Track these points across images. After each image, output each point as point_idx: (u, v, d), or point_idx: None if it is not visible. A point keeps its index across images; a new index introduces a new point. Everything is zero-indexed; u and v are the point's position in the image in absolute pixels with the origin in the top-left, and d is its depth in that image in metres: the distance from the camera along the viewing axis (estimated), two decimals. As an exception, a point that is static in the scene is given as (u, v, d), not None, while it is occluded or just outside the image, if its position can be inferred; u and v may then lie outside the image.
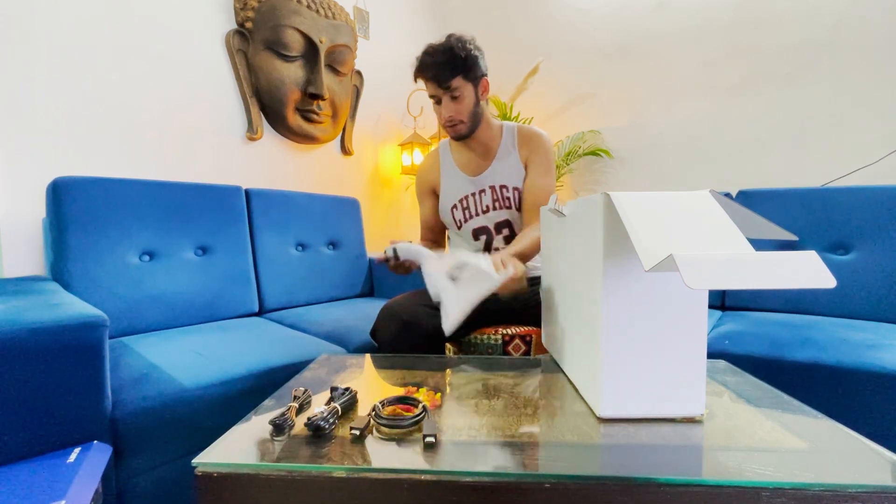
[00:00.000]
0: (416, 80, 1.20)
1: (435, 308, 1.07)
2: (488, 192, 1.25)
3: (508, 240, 1.25)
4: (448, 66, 1.12)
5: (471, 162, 1.28)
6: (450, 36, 1.15)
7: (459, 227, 1.30)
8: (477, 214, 1.27)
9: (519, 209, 1.24)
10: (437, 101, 1.19)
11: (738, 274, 0.44)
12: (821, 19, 1.84)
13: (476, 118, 1.21)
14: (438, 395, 0.69)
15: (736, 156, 2.05)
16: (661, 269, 0.47)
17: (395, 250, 1.00)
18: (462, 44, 1.13)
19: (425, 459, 0.50)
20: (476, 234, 1.28)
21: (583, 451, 0.53)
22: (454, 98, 1.16)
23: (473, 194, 1.26)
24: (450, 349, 1.22)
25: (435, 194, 1.35)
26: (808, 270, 0.45)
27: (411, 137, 2.43)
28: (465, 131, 1.20)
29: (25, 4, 1.31)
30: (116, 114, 1.50)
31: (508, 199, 1.24)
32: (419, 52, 1.17)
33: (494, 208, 1.25)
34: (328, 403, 0.61)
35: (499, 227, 1.25)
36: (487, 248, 1.27)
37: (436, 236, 1.41)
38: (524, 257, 1.10)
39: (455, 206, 1.28)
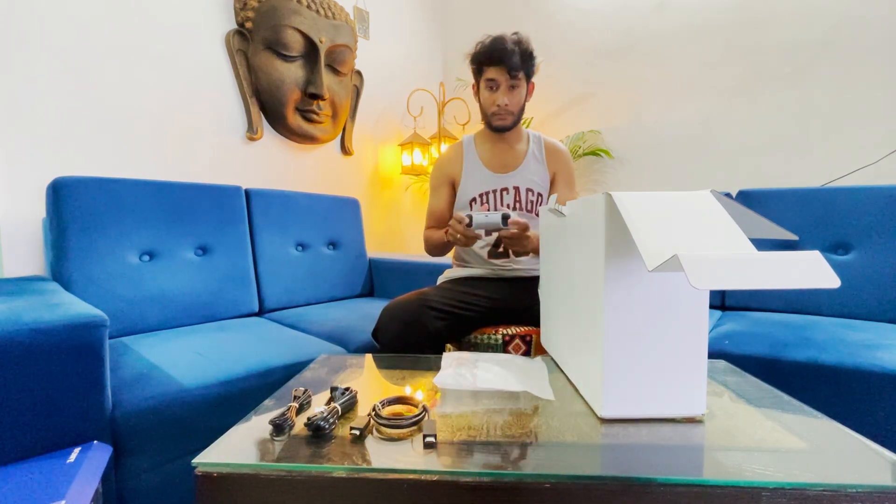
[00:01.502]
0: (474, 63, 1.21)
1: (435, 309, 1.08)
2: (512, 191, 1.27)
3: None
4: (521, 56, 1.16)
5: (496, 159, 1.30)
6: (515, 32, 1.19)
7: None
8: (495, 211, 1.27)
9: (537, 214, 1.27)
10: (493, 88, 1.20)
11: (743, 274, 0.44)
12: (821, 19, 1.84)
13: (520, 116, 1.25)
14: (438, 394, 0.69)
15: (736, 156, 2.04)
16: (664, 269, 0.47)
17: (471, 218, 1.03)
18: (529, 42, 1.18)
19: (425, 459, 0.50)
20: (489, 230, 1.28)
21: (583, 451, 0.53)
22: (512, 88, 1.19)
23: (495, 191, 1.27)
24: (450, 349, 1.22)
25: (452, 186, 1.34)
26: (813, 270, 0.45)
27: (411, 137, 2.43)
28: (510, 124, 1.23)
29: (26, 4, 1.31)
30: (116, 114, 1.50)
31: (532, 202, 1.27)
32: (483, 39, 1.19)
33: (515, 208, 1.27)
34: (328, 403, 0.61)
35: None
36: (497, 245, 1.26)
37: (441, 227, 1.39)
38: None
39: (474, 199, 1.29)
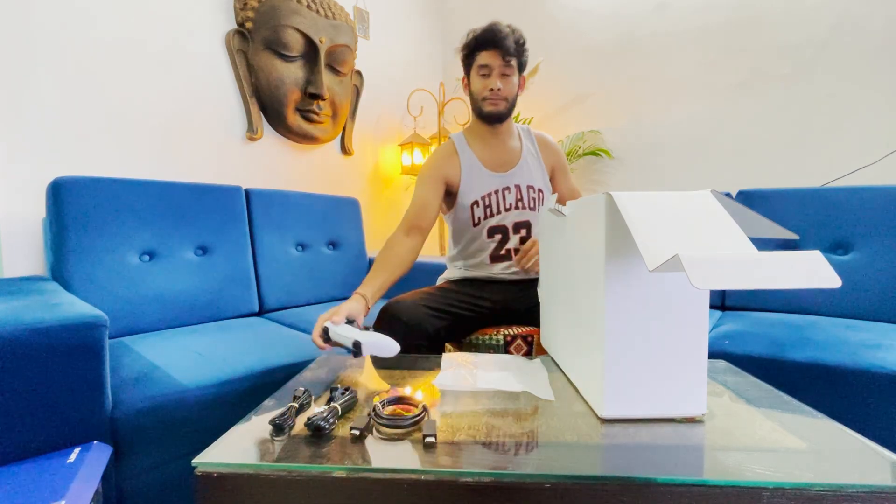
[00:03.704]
0: (465, 50, 1.21)
1: (435, 309, 1.07)
2: (513, 190, 1.24)
3: (524, 240, 1.24)
4: (514, 42, 1.16)
5: (494, 158, 1.26)
6: (507, 25, 1.19)
7: (476, 224, 1.24)
8: (498, 212, 1.23)
9: (537, 211, 1.26)
10: (486, 75, 1.18)
11: (744, 274, 0.44)
12: (821, 19, 1.84)
13: (513, 106, 1.23)
14: (438, 394, 0.69)
15: (736, 156, 2.05)
16: (665, 269, 0.47)
17: (326, 330, 0.88)
18: (522, 35, 1.20)
19: (425, 459, 0.50)
20: (491, 232, 1.23)
21: (583, 451, 0.53)
22: (505, 76, 1.18)
23: (497, 191, 1.23)
24: (450, 349, 1.22)
25: (444, 184, 1.23)
26: (813, 270, 0.45)
27: (411, 137, 2.43)
28: (504, 111, 1.20)
29: (26, 5, 1.31)
30: (116, 114, 1.50)
31: (533, 199, 1.25)
32: (476, 30, 1.20)
33: (517, 207, 1.23)
34: (328, 403, 0.61)
35: (517, 227, 1.24)
36: (501, 246, 1.24)
37: (421, 223, 1.18)
38: None
39: (476, 203, 1.23)
